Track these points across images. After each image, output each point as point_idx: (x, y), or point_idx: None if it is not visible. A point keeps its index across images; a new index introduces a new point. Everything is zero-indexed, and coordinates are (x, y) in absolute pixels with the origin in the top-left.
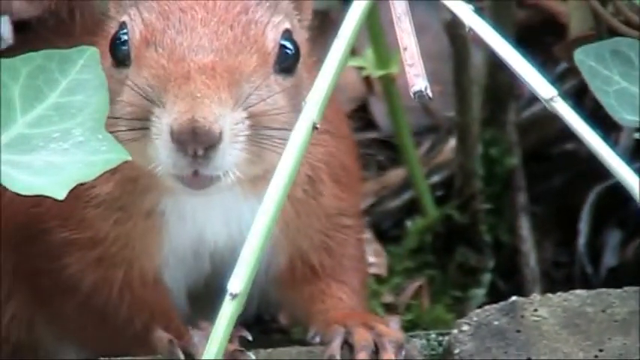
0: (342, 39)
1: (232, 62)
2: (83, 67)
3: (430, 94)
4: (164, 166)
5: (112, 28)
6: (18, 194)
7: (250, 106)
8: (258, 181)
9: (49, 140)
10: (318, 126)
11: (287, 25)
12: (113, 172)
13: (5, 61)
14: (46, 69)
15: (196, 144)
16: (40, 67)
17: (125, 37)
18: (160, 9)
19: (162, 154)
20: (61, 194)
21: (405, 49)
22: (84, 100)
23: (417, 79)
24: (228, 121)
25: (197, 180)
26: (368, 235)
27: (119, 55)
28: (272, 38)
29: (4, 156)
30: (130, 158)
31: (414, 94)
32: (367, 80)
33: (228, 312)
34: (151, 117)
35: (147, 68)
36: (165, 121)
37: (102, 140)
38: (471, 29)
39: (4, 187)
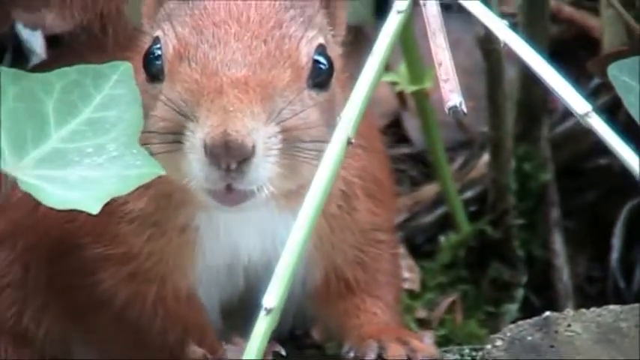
0: (376, 54)
1: (265, 77)
2: (117, 82)
3: (465, 110)
4: (197, 181)
5: (146, 43)
6: (52, 209)
7: (283, 121)
8: (292, 196)
9: (84, 155)
10: (352, 141)
11: (321, 40)
12: (147, 187)
13: (40, 75)
14: (81, 84)
15: (229, 157)
16: (75, 81)
17: (159, 52)
18: (194, 23)
19: (195, 168)
20: (95, 209)
21: (440, 64)
22: (118, 115)
23: (451, 94)
24: (261, 135)
25: (231, 196)
26: (401, 250)
27: (153, 69)
28: (305, 53)
29: (39, 171)
30: (164, 173)
31: (449, 109)
32: (400, 95)
33: (262, 327)
34: (185, 131)
35: (180, 83)
36: (198, 135)
37: (136, 155)
38: (505, 44)
39: (38, 202)
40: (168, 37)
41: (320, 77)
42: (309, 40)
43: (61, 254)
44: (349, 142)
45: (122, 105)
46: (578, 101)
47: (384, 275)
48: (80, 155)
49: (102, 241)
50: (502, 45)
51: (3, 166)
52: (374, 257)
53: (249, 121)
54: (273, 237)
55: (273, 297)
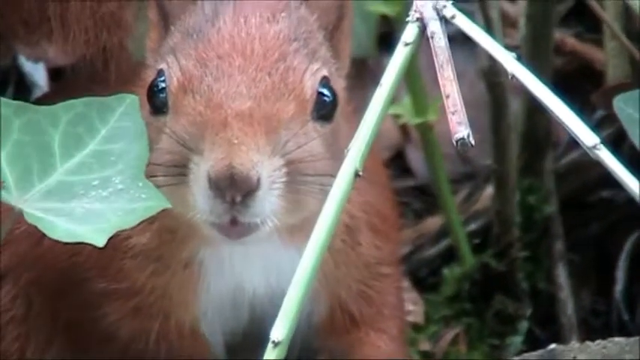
0: (384, 86)
1: (270, 109)
2: (123, 115)
3: (472, 142)
4: (202, 214)
5: (150, 76)
6: (56, 242)
7: (288, 153)
8: (296, 230)
9: (89, 188)
10: (360, 173)
11: (325, 73)
12: (151, 222)
13: (45, 107)
14: (86, 116)
15: (234, 190)
16: (81, 114)
17: (163, 85)
18: (198, 56)
19: (200, 201)
20: (101, 241)
21: (448, 96)
22: (123, 147)
23: (459, 126)
24: (266, 168)
25: (235, 229)
26: (405, 283)
27: (157, 102)
28: (310, 85)
29: (45, 203)
30: (170, 206)
31: (457, 141)
32: (404, 128)
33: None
34: (189, 164)
35: (184, 115)
36: (203, 168)
37: (142, 188)
38: (514, 77)
39: (43, 235)
40: (172, 70)
41: (324, 109)
42: (313, 73)
43: (65, 288)
44: (357, 175)
45: (128, 138)
46: (586, 134)
47: (388, 309)
48: (86, 188)
49: (106, 275)
50: (510, 77)
51: (9, 198)
52: (379, 291)
53: (254, 154)
54: (278, 271)
55: (280, 330)
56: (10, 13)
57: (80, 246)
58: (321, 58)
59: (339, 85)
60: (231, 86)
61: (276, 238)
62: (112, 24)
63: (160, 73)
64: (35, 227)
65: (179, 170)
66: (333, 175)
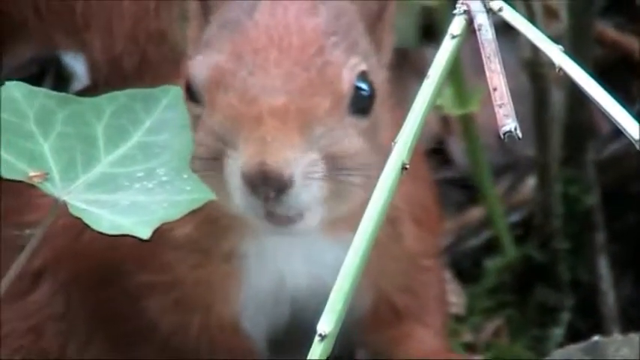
0: (431, 78)
1: (305, 105)
2: (167, 107)
3: (520, 135)
4: (239, 207)
5: (189, 67)
6: (96, 236)
7: (324, 148)
8: (338, 223)
9: (134, 179)
10: (407, 166)
11: (364, 67)
12: (193, 213)
13: (89, 99)
14: (130, 108)
15: (267, 187)
16: (124, 106)
17: (199, 77)
18: (233, 49)
19: (236, 195)
20: (146, 234)
21: (495, 89)
22: (168, 139)
23: (506, 119)
24: (299, 165)
25: (275, 218)
26: (447, 274)
27: (193, 95)
28: (347, 80)
29: (89, 195)
30: (214, 198)
31: (504, 134)
32: (444, 119)
33: (317, 353)
34: (225, 158)
35: (219, 109)
36: (237, 164)
37: (186, 180)
38: (560, 69)
39: (82, 230)
40: (207, 63)
41: (362, 103)
42: (351, 67)
43: (104, 283)
44: (404, 168)
45: (172, 129)
46: (632, 125)
47: (432, 301)
48: (130, 180)
49: (147, 268)
50: (557, 70)
51: (53, 190)
52: (422, 283)
53: (287, 151)
54: (320, 264)
55: (327, 323)
56: (57, 6)
57: (120, 239)
58: (360, 51)
59: (380, 77)
60: (267, 80)
61: (319, 230)
62: (152, 17)
63: (197, 65)
64: (73, 222)
65: (216, 163)
66: (375, 167)
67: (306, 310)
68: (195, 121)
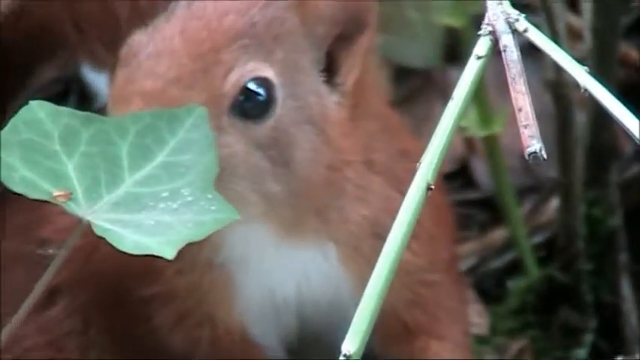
0: (456, 99)
1: (175, 93)
2: (192, 127)
3: (545, 156)
4: None
5: None
6: (107, 257)
7: None
8: (293, 229)
9: (158, 199)
10: (432, 187)
11: (266, 74)
12: None
13: (114, 119)
14: (155, 128)
15: None
16: (149, 125)
17: None
18: (148, 33)
19: None
20: (170, 254)
21: (520, 109)
22: (192, 159)
23: (531, 140)
24: None
25: None
26: (470, 294)
27: None
28: (234, 80)
29: (113, 215)
30: (239, 217)
31: (529, 155)
32: (468, 139)
33: None
34: None
35: (112, 85)
36: None
37: (211, 200)
38: (586, 90)
39: (92, 250)
40: None
41: (253, 109)
42: (247, 70)
43: (116, 303)
44: (429, 189)
45: (197, 149)
46: None
47: (446, 315)
48: (155, 200)
49: (146, 279)
50: (583, 91)
51: (77, 210)
52: (431, 298)
53: None
54: (304, 274)
55: (352, 343)
56: (90, 29)
57: (126, 256)
58: (275, 59)
59: (318, 96)
60: (155, 66)
61: (273, 236)
62: None
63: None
64: (86, 242)
65: None
66: (269, 179)
67: (311, 318)
68: None
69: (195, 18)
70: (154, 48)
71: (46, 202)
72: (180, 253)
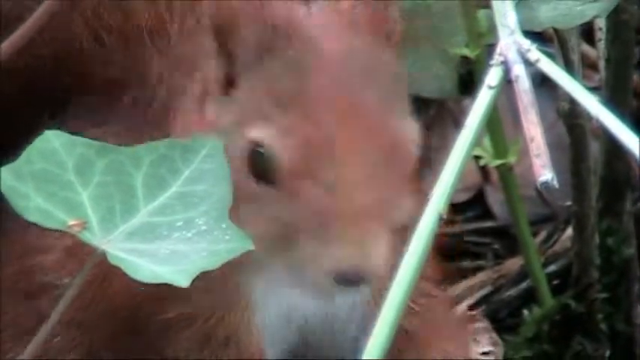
0: (468, 129)
1: (392, 200)
2: (206, 157)
3: (557, 185)
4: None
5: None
6: (117, 286)
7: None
8: None
9: (173, 229)
10: (444, 217)
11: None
12: None
13: (128, 149)
14: (169, 158)
15: (361, 284)
16: (163, 156)
17: (266, 156)
18: (305, 133)
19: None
20: (185, 282)
21: (532, 139)
22: (207, 189)
23: (543, 169)
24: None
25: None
26: (484, 323)
27: (261, 172)
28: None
29: (129, 244)
30: (253, 248)
31: (541, 184)
32: (483, 169)
33: None
34: (297, 245)
35: (303, 200)
36: (325, 259)
37: (225, 229)
38: (597, 120)
39: (106, 280)
40: (275, 144)
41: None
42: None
43: (127, 331)
44: (441, 218)
45: (211, 179)
46: None
47: (444, 326)
48: (169, 229)
49: (163, 303)
50: (594, 121)
51: (92, 239)
52: (427, 307)
53: (383, 250)
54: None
55: (372, 354)
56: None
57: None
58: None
59: None
60: (352, 174)
61: None
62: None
63: (270, 138)
64: (94, 273)
65: (279, 245)
66: None
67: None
68: (254, 197)
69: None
70: (330, 152)
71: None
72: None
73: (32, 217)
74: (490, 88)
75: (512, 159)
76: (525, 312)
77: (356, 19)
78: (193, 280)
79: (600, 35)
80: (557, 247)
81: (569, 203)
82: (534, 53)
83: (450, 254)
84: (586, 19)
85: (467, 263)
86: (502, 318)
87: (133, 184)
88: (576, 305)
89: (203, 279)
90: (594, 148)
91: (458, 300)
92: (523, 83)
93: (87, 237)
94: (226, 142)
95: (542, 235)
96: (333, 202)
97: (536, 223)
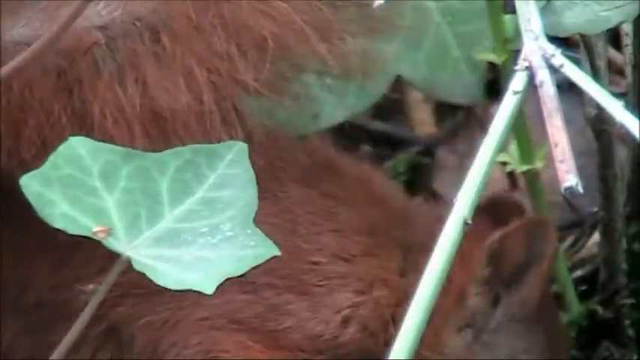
0: (493, 134)
1: None
2: (231, 162)
3: (581, 190)
4: None
5: None
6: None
7: None
8: None
9: (198, 235)
10: (469, 222)
11: None
12: None
13: (153, 155)
14: (194, 163)
15: None
16: (189, 161)
17: None
18: None
19: None
20: (210, 289)
21: (557, 145)
22: (232, 194)
23: (568, 175)
24: None
25: None
26: None
27: None
28: None
29: (154, 250)
30: (278, 253)
31: (566, 190)
32: (511, 175)
33: None
34: None
35: None
36: None
37: (251, 235)
38: (622, 125)
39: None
40: None
41: None
42: None
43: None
44: (466, 224)
45: (237, 185)
46: None
47: None
48: (194, 235)
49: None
50: (619, 126)
51: (117, 245)
52: None
53: None
54: None
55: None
56: None
57: None
58: None
59: None
60: None
61: None
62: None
63: None
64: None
65: None
66: None
67: None
68: None
69: None
70: None
71: None
72: None
73: (58, 223)
74: (515, 93)
75: (538, 165)
76: None
77: None
78: None
79: (627, 41)
80: (584, 253)
81: (596, 209)
82: (559, 58)
83: None
84: (612, 24)
85: None
86: None
87: (158, 190)
88: (603, 311)
89: None
90: (622, 154)
91: None
92: (547, 89)
93: (112, 243)
94: None
95: (569, 240)
96: None
97: (564, 229)
